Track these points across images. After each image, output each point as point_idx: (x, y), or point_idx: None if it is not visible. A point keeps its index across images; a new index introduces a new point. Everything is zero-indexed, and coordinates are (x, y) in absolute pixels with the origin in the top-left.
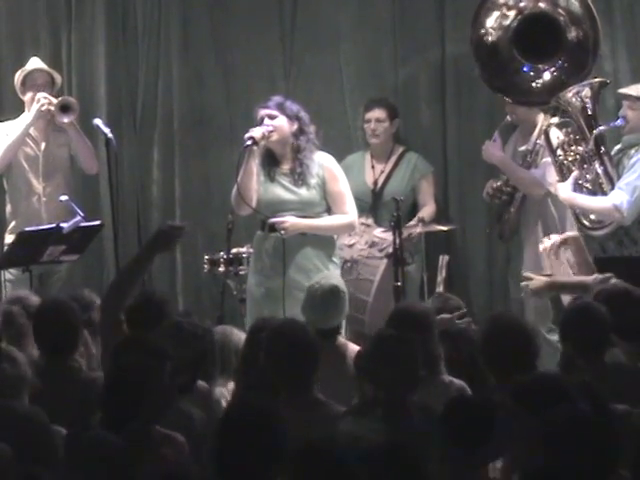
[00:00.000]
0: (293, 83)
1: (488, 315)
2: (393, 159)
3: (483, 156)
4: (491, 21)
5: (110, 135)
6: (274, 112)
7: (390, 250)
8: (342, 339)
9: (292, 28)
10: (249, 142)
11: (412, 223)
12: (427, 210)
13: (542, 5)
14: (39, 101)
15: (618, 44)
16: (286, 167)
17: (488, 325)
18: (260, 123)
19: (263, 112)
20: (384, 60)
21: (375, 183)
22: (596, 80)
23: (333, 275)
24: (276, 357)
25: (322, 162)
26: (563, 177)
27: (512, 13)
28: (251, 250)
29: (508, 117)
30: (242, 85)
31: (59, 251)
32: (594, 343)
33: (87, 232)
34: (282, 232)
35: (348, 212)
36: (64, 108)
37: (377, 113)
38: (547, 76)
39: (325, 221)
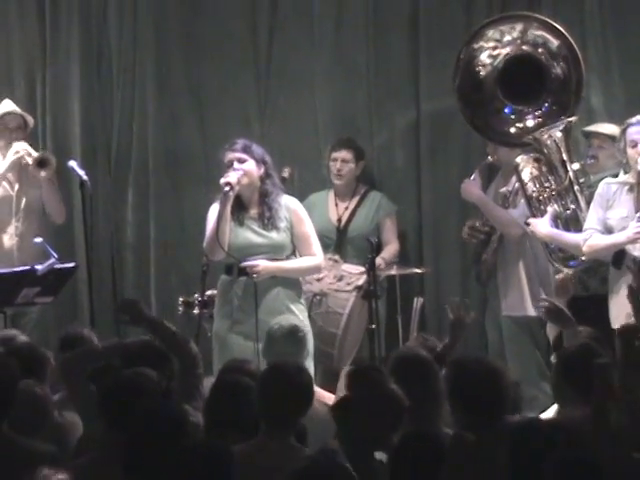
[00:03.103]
0: (268, 124)
1: (451, 359)
2: (357, 197)
3: (462, 194)
4: (481, 58)
5: (85, 177)
6: (243, 156)
7: (359, 283)
8: None
9: (267, 69)
10: (227, 188)
11: (381, 265)
12: (390, 249)
13: (525, 47)
14: (18, 152)
15: (591, 86)
16: (254, 211)
17: (453, 371)
18: (229, 166)
19: (232, 155)
20: (359, 102)
21: (339, 220)
22: (568, 120)
23: (292, 317)
24: (270, 395)
25: (289, 205)
26: (532, 212)
27: (499, 54)
28: None
29: (489, 157)
30: (217, 126)
31: (33, 293)
32: None
33: (61, 274)
34: (255, 276)
35: (315, 254)
36: (42, 163)
37: (343, 154)
38: (530, 121)
39: (295, 263)
